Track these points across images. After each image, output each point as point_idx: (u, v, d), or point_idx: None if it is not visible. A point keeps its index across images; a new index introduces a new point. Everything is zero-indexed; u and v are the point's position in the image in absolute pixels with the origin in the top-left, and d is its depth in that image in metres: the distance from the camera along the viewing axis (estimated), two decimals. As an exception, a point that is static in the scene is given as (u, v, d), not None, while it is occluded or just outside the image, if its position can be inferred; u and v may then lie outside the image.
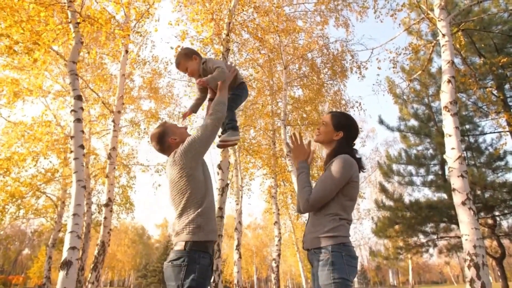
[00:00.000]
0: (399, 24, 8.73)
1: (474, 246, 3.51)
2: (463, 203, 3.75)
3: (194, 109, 2.53)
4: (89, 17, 4.61)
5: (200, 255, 1.90)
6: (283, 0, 10.81)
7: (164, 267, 1.92)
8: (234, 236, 10.90)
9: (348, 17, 10.39)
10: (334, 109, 11.34)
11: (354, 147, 2.12)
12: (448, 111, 4.31)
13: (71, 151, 3.46)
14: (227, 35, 5.83)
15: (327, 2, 10.64)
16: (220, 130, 2.32)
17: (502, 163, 11.51)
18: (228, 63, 2.33)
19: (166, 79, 20.63)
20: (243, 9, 6.01)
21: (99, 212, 14.68)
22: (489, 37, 9.40)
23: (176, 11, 8.13)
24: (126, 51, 8.72)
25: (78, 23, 4.31)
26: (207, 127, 2.06)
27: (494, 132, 11.86)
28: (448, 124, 4.26)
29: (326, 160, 2.08)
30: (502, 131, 10.40)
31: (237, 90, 2.40)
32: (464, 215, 3.70)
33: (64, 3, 4.56)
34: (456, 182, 3.92)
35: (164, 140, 2.15)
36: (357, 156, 2.04)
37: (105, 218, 7.60)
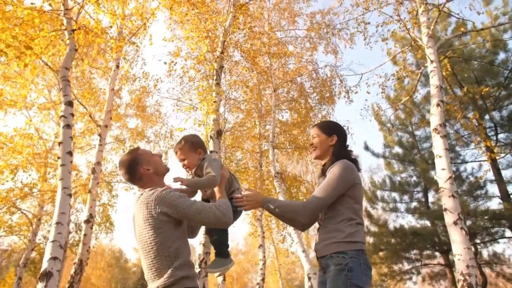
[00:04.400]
0: (386, 53, 9.07)
1: (467, 266, 3.51)
2: (455, 223, 3.77)
3: None
4: (85, 26, 4.60)
5: None
6: (275, 24, 11.12)
7: None
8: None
9: (337, 44, 10.71)
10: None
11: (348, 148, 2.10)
12: (438, 133, 4.43)
13: (58, 157, 3.33)
14: (222, 52, 5.90)
15: (317, 29, 11.00)
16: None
17: (483, 191, 11.81)
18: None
19: (155, 97, 20.52)
20: (238, 28, 6.13)
21: (76, 232, 14.08)
22: (470, 69, 9.87)
23: (170, 29, 8.24)
24: (117, 66, 8.68)
25: (73, 30, 4.28)
26: (208, 212, 1.73)
27: (475, 161, 12.24)
28: (438, 145, 4.36)
29: (324, 168, 2.02)
30: (484, 160, 10.73)
31: (232, 203, 2.04)
32: (456, 235, 3.72)
33: (61, 10, 4.55)
34: (447, 202, 3.96)
35: (135, 169, 1.86)
36: (353, 157, 2.03)
37: (85, 235, 7.26)
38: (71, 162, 3.51)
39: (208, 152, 2.16)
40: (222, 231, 2.02)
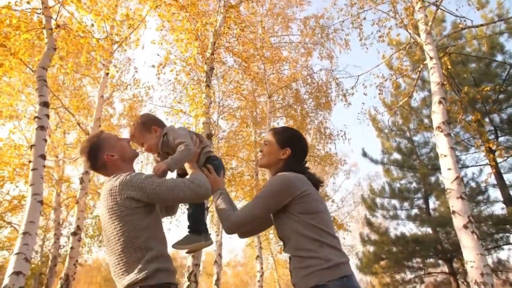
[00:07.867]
0: (382, 56, 8.87)
1: (482, 274, 3.19)
2: (465, 227, 3.46)
3: None
4: (66, 25, 4.35)
5: None
6: (268, 30, 10.97)
7: None
8: (213, 270, 10.19)
9: (331, 48, 10.54)
10: (315, 138, 11.21)
11: (306, 164, 1.80)
12: (441, 131, 4.16)
13: (30, 161, 3.04)
14: (212, 54, 5.67)
15: (311, 35, 10.85)
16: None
17: (485, 196, 11.54)
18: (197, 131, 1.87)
19: (148, 106, 20.23)
20: (229, 28, 5.91)
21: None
22: (468, 71, 9.70)
23: (161, 35, 8.00)
24: (107, 74, 8.44)
25: (52, 28, 4.02)
26: (182, 188, 1.53)
27: (476, 166, 11.99)
28: (442, 144, 4.09)
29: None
30: (485, 164, 10.48)
31: (213, 161, 1.85)
32: (467, 240, 3.41)
33: (40, 9, 4.30)
34: (455, 204, 3.66)
35: (97, 155, 1.63)
36: (310, 172, 1.72)
37: (71, 248, 6.90)
38: (44, 166, 3.22)
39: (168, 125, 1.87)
40: (197, 206, 1.82)
